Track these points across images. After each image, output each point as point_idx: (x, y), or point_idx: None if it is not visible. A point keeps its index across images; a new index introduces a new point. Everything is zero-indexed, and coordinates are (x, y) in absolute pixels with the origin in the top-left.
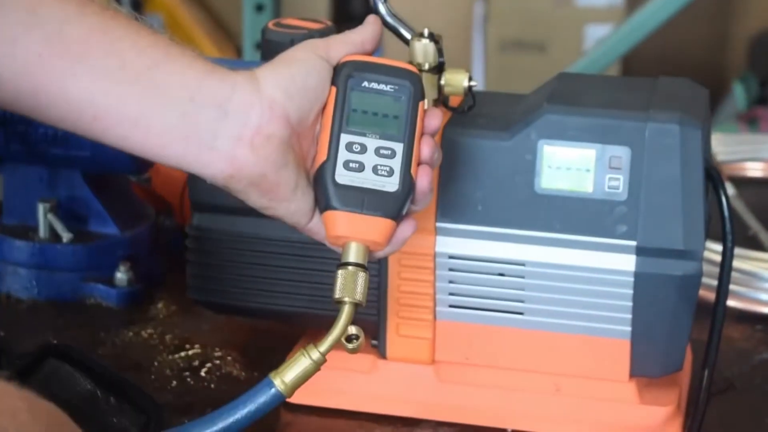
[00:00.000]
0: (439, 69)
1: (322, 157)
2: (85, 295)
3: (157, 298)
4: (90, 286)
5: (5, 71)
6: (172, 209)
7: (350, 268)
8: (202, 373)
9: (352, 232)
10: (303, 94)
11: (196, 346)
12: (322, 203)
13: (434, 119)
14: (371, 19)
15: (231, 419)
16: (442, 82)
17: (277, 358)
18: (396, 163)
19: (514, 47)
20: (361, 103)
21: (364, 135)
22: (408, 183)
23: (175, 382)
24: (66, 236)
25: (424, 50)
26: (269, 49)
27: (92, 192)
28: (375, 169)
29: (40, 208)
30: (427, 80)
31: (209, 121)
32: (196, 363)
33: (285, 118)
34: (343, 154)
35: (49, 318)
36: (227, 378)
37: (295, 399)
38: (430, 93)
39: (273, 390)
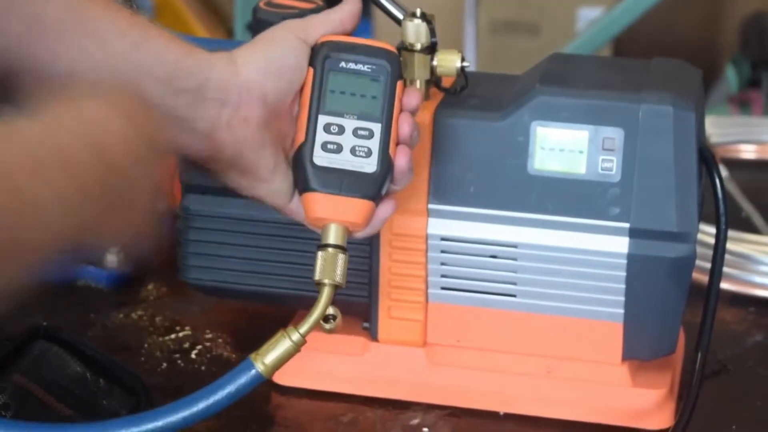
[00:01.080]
0: (431, 49)
1: (301, 138)
2: (75, 276)
3: (148, 280)
4: (80, 267)
5: None
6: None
7: (330, 249)
8: (193, 355)
9: (331, 214)
10: (280, 74)
11: (187, 328)
12: (300, 185)
13: (413, 98)
14: None
15: (212, 400)
16: (435, 62)
17: (267, 340)
18: (374, 144)
19: (507, 29)
20: (339, 84)
21: (341, 116)
22: (386, 163)
23: (165, 364)
24: None
25: (416, 30)
26: (260, 28)
27: None
28: (353, 150)
29: None
30: (419, 60)
31: (187, 103)
32: (187, 345)
33: (262, 99)
34: (321, 136)
35: (38, 300)
36: (218, 360)
37: (286, 381)
38: (422, 73)
39: (253, 371)
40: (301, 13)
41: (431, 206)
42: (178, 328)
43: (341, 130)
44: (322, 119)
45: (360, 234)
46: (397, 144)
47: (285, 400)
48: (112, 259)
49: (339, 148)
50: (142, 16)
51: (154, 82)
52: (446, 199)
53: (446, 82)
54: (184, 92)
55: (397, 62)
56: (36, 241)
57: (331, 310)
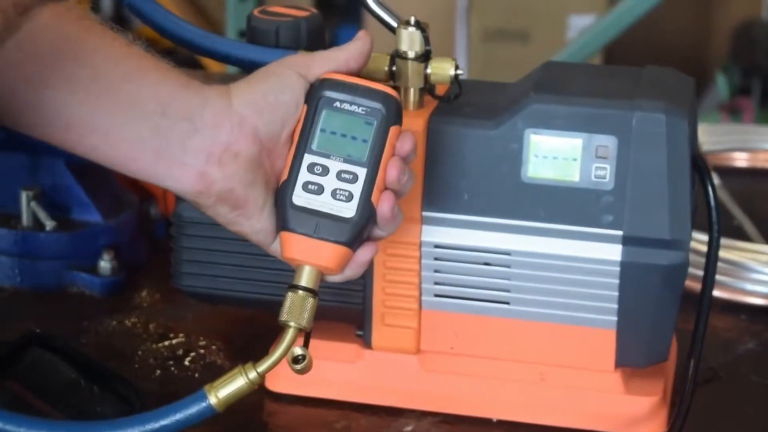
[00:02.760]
0: (425, 57)
1: (285, 176)
2: (68, 283)
3: (141, 287)
4: (73, 274)
5: None
6: (155, 197)
7: (300, 292)
8: (186, 362)
9: (303, 256)
10: (274, 110)
11: (180, 335)
12: (278, 223)
13: (406, 143)
14: (360, 35)
15: (159, 424)
16: (429, 70)
17: (261, 347)
18: (356, 189)
19: (497, 37)
20: (330, 124)
21: (328, 157)
22: (366, 210)
23: (158, 371)
24: (49, 224)
25: (410, 38)
26: (254, 37)
27: (75, 180)
28: (334, 193)
29: (23, 196)
30: (413, 68)
31: (180, 136)
32: (180, 352)
33: (254, 135)
34: (303, 175)
35: (31, 306)
36: (211, 367)
37: (279, 388)
38: (416, 81)
39: (205, 404)
40: (296, 22)
41: (425, 213)
42: (171, 335)
43: (325, 171)
44: (308, 158)
45: (337, 278)
46: (385, 189)
47: (278, 407)
48: (105, 266)
49: (320, 190)
50: (138, 46)
51: (147, 113)
52: (440, 206)
53: (440, 90)
54: (177, 124)
55: (395, 106)
56: None
57: (299, 351)
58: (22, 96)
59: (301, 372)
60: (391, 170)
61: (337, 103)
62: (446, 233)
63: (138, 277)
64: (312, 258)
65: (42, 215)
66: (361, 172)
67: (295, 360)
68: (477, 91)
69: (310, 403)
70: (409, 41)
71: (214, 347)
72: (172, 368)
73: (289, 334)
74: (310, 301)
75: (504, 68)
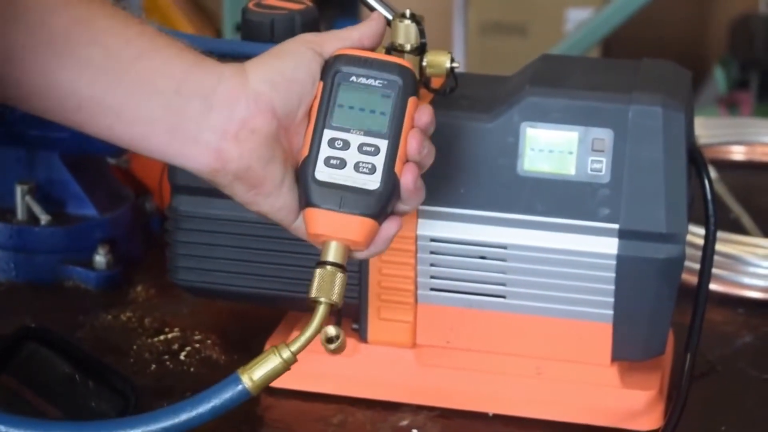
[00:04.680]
0: (421, 50)
1: (305, 152)
2: (64, 277)
3: (136, 281)
4: (68, 268)
5: None
6: (151, 191)
7: (328, 268)
8: (182, 357)
9: (330, 231)
10: (290, 87)
11: (176, 329)
12: (302, 200)
13: (424, 114)
14: (374, 16)
15: (194, 413)
16: (424, 63)
17: (256, 342)
18: (379, 161)
19: (495, 30)
20: (348, 99)
21: (348, 131)
22: (391, 181)
23: (154, 366)
24: (44, 218)
25: (405, 31)
26: (249, 29)
27: (71, 174)
28: (357, 167)
29: (18, 190)
30: (409, 61)
31: (194, 114)
32: (176, 346)
33: (271, 111)
34: (324, 150)
35: (27, 301)
36: (207, 361)
37: (275, 383)
38: None
39: (240, 387)
40: (291, 15)
41: (421, 207)
42: (167, 329)
43: (346, 145)
44: (328, 134)
45: (363, 254)
46: (407, 162)
47: (274, 401)
48: (100, 260)
49: (342, 164)
50: (150, 25)
51: (159, 92)
52: (436, 199)
53: (436, 83)
54: (191, 102)
55: (411, 78)
56: None
57: (333, 331)
58: (33, 79)
59: (335, 352)
60: (411, 141)
61: (354, 78)
62: (442, 227)
63: (133, 271)
64: (338, 232)
65: (37, 209)
66: (383, 144)
67: (329, 340)
68: (473, 84)
69: (305, 397)
70: (405, 34)
71: (209, 342)
72: (168, 363)
73: (320, 311)
74: (340, 276)
75: (501, 62)
